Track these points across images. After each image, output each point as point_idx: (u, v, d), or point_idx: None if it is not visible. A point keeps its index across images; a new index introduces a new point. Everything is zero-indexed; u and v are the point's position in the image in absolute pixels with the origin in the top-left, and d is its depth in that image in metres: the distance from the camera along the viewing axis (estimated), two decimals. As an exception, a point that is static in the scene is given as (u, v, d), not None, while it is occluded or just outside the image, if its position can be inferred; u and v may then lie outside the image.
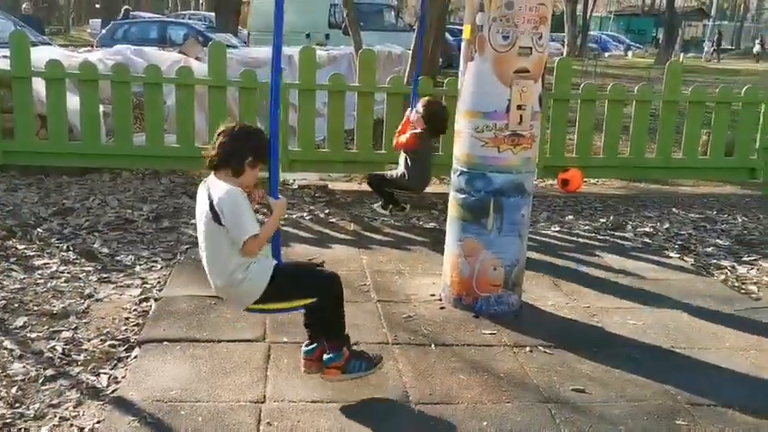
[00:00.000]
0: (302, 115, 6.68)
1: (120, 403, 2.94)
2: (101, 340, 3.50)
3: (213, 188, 2.85)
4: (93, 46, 16.86)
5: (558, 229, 5.78)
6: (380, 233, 5.44)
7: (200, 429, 2.78)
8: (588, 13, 37.93)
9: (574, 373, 3.37)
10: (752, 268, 5.03)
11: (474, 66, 3.80)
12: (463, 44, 3.92)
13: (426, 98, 5.43)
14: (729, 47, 51.92)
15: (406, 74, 8.58)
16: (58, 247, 4.76)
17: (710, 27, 46.48)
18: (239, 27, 23.64)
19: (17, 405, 2.91)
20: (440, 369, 3.34)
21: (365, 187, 5.97)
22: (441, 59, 14.19)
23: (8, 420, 2.80)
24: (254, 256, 2.87)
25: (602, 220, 6.05)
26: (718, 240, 5.66)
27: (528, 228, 4.12)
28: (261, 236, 2.83)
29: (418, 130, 5.18)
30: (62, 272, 4.35)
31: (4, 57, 6.64)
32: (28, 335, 3.52)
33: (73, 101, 6.66)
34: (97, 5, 39.09)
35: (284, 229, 5.07)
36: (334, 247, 5.07)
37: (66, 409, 2.91)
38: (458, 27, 22.37)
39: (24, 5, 19.43)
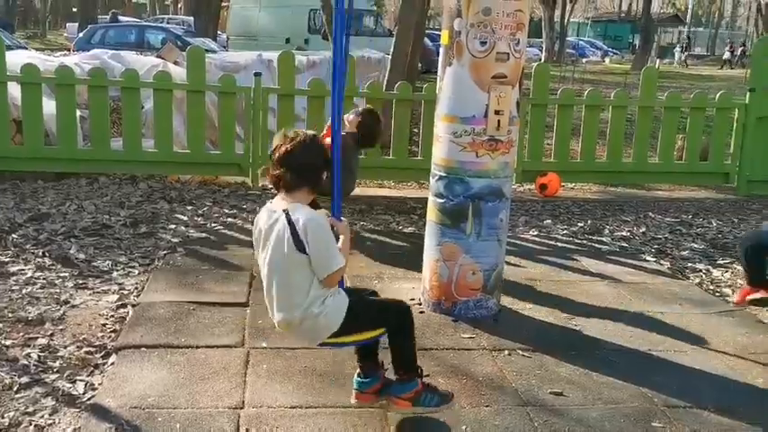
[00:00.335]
0: (281, 120, 6.67)
1: (96, 410, 2.91)
2: (77, 347, 3.46)
3: (294, 212, 2.63)
4: (69, 50, 16.71)
5: (536, 233, 5.82)
6: (359, 238, 5.44)
7: (178, 436, 2.76)
8: (566, 19, 38.23)
9: (552, 376, 3.39)
10: (726, 271, 5.09)
11: (452, 71, 3.82)
12: (441, 50, 3.94)
13: (369, 107, 5.43)
14: (704, 53, 52.67)
15: (385, 79, 8.60)
16: (33, 252, 4.70)
17: (686, 33, 47.08)
18: (219, 31, 23.55)
19: (-9, 413, 2.87)
20: (419, 373, 3.34)
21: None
22: (420, 64, 14.27)
23: (-18, 429, 2.76)
24: (334, 288, 2.75)
25: (579, 225, 6.10)
26: (693, 244, 5.73)
27: (506, 232, 4.15)
28: (345, 266, 2.70)
29: (346, 129, 4.82)
30: (38, 278, 4.30)
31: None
32: (2, 342, 3.46)
33: (49, 105, 6.59)
34: (74, 9, 38.76)
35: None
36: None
37: (42, 417, 2.87)
38: (437, 32, 22.46)
39: None
